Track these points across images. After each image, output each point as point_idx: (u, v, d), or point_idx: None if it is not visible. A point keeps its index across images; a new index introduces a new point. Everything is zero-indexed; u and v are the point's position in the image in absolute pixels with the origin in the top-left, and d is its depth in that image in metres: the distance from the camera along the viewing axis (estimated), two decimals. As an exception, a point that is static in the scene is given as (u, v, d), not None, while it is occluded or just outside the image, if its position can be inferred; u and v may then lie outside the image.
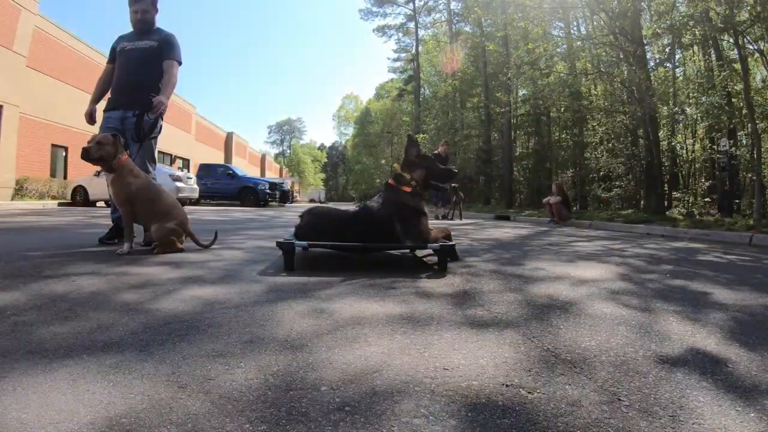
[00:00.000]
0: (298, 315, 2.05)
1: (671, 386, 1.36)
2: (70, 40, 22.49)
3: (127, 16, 4.65)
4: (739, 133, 14.82)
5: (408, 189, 3.70)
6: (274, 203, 25.49)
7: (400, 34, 45.52)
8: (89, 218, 8.89)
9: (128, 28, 4.73)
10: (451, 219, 12.93)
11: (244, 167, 39.51)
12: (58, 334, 1.70)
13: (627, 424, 1.13)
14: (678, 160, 18.36)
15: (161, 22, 4.75)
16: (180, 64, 4.68)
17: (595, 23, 18.34)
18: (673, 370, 1.49)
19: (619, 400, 1.26)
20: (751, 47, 13.38)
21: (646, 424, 1.14)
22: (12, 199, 17.20)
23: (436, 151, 14.38)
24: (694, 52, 17.94)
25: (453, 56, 33.12)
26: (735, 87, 13.28)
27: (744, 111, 13.01)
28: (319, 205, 4.70)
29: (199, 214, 11.24)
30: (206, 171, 24.98)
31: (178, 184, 17.47)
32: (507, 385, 1.34)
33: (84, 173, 19.88)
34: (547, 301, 2.45)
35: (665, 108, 15.49)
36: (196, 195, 20.14)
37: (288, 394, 1.25)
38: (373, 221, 3.56)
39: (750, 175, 14.91)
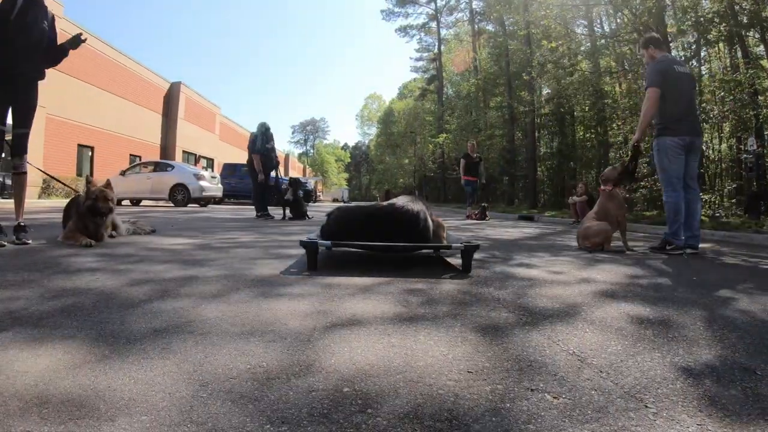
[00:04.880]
0: (321, 315, 2.04)
1: (699, 393, 1.31)
2: (94, 42, 22.88)
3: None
4: (766, 133, 14.46)
5: None
6: (298, 203, 25.59)
7: (422, 34, 45.51)
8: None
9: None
10: (482, 219, 12.81)
11: (268, 167, 39.69)
12: (81, 329, 1.72)
13: (654, 432, 1.10)
14: (704, 160, 17.98)
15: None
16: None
17: (618, 20, 18.07)
18: (701, 377, 1.44)
19: (646, 407, 1.22)
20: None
21: (674, 432, 1.10)
22: (39, 198, 17.56)
23: (466, 151, 14.35)
24: (719, 48, 17.58)
25: (466, 56, 32.96)
26: (762, 84, 12.95)
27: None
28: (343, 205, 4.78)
29: (214, 212, 11.36)
30: (230, 170, 25.20)
31: (203, 183, 17.64)
32: (532, 390, 1.31)
33: (110, 173, 20.24)
34: (572, 305, 2.41)
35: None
36: (220, 194, 20.30)
37: (310, 394, 1.24)
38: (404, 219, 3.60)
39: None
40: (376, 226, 3.55)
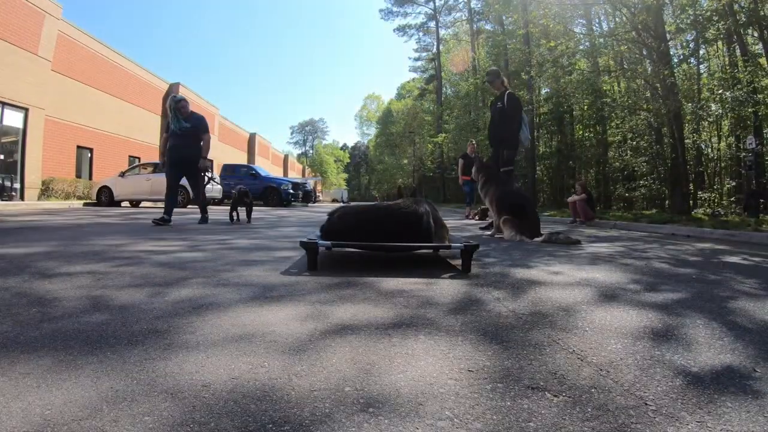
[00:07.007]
0: (321, 315, 2.04)
1: (698, 391, 1.32)
2: (92, 44, 22.91)
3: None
4: (765, 131, 14.47)
5: None
6: (297, 203, 25.61)
7: (421, 34, 45.60)
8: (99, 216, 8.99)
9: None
10: (476, 219, 12.83)
11: (267, 167, 39.83)
12: (83, 331, 1.72)
13: (654, 429, 1.10)
14: (703, 159, 18.02)
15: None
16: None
17: (617, 19, 18.09)
18: (701, 374, 1.44)
19: (646, 404, 1.23)
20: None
21: (674, 429, 1.11)
22: (38, 199, 17.55)
23: (465, 152, 14.37)
24: (718, 47, 17.61)
25: (464, 55, 32.96)
26: (761, 82, 12.96)
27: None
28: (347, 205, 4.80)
29: (211, 214, 11.33)
30: (230, 171, 25.19)
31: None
32: (532, 388, 1.31)
33: (109, 174, 20.26)
34: (572, 303, 2.41)
35: (689, 105, 15.18)
36: (219, 195, 20.31)
37: (312, 394, 1.24)
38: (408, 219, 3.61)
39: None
40: (380, 226, 3.55)
